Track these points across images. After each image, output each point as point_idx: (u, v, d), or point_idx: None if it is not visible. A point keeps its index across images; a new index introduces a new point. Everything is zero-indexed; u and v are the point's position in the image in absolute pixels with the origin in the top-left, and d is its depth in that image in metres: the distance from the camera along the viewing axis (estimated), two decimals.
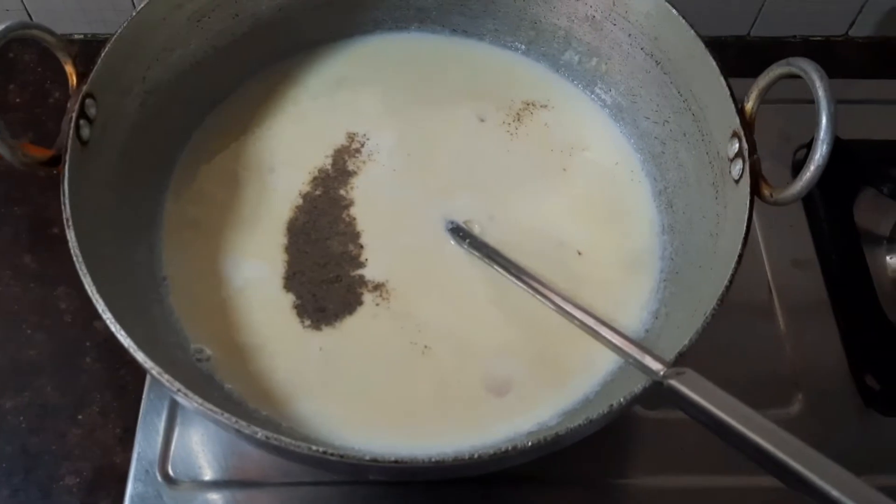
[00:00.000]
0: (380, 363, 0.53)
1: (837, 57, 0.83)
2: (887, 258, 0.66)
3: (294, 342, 0.53)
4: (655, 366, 0.42)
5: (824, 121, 0.44)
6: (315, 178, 0.59)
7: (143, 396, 0.59)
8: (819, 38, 0.84)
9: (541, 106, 0.64)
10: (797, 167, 0.70)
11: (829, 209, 0.66)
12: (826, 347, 0.62)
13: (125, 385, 0.60)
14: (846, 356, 0.62)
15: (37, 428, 0.59)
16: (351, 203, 0.58)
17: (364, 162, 0.60)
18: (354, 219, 0.58)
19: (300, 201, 0.58)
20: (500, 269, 0.54)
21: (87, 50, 0.79)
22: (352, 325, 0.54)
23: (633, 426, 0.59)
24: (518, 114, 0.64)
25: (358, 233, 0.57)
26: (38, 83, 0.76)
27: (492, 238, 0.57)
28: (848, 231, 0.66)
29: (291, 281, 0.55)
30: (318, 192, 0.59)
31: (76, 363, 0.62)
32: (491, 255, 0.55)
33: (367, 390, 0.52)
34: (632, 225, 0.59)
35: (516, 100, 0.64)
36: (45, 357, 0.62)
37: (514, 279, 0.53)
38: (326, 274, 0.55)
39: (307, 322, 0.53)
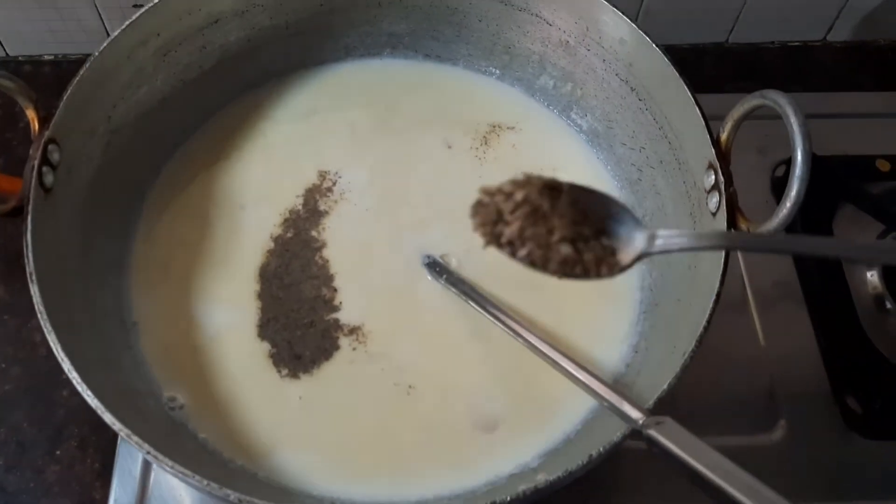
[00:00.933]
0: (363, 407, 0.52)
1: (816, 62, 0.83)
2: (867, 275, 0.66)
3: (272, 393, 0.52)
4: (634, 414, 0.42)
5: (799, 157, 0.43)
6: (286, 220, 0.58)
7: (118, 440, 0.58)
8: (797, 44, 0.84)
9: (507, 128, 0.64)
10: (776, 185, 0.69)
11: (809, 227, 0.66)
12: (808, 370, 0.62)
13: (103, 419, 0.59)
14: (828, 378, 0.61)
15: (14, 465, 0.58)
16: (323, 245, 0.58)
17: (336, 201, 0.60)
18: (327, 261, 0.57)
19: (271, 245, 0.57)
20: (476, 308, 0.54)
21: (57, 72, 0.78)
22: (330, 371, 0.53)
23: (618, 456, 0.58)
24: (484, 138, 0.63)
25: (331, 275, 0.56)
26: (8, 106, 0.74)
27: (469, 270, 0.56)
28: None
29: (265, 329, 0.54)
30: (289, 235, 0.58)
31: (52, 397, 0.61)
32: (467, 291, 0.54)
33: (350, 436, 0.51)
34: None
35: (482, 123, 0.64)
36: (20, 391, 0.61)
37: (491, 318, 0.53)
38: (301, 319, 0.54)
39: (284, 371, 0.53)
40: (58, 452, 0.59)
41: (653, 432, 0.39)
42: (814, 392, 0.61)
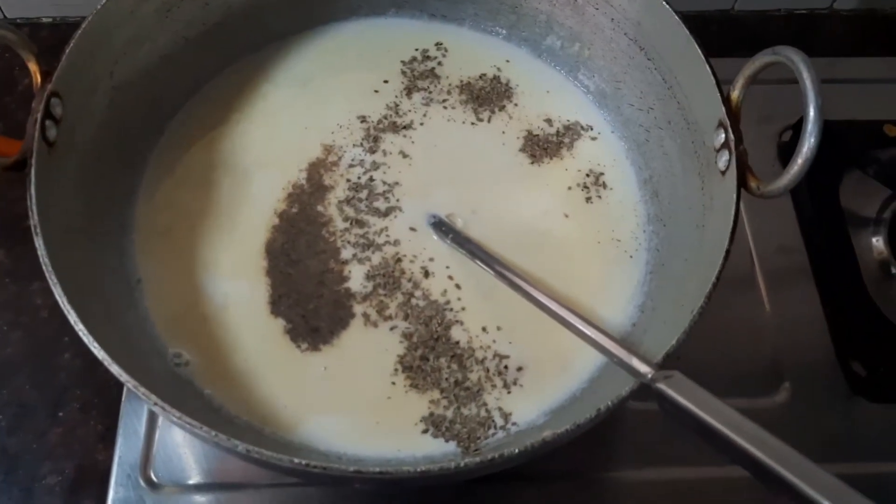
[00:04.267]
0: (385, 367, 0.52)
1: (822, 30, 0.82)
2: (873, 240, 0.66)
3: (296, 367, 0.51)
4: (643, 368, 0.42)
5: (812, 113, 0.43)
6: (290, 195, 0.57)
7: (122, 399, 0.58)
8: (803, 11, 0.83)
9: (514, 89, 0.63)
10: (782, 149, 0.69)
11: (815, 193, 0.66)
12: (813, 334, 0.62)
13: (105, 381, 0.59)
14: (832, 343, 0.61)
15: (16, 427, 0.58)
16: (329, 220, 0.57)
17: (341, 175, 0.59)
18: (334, 235, 0.56)
19: (276, 220, 0.56)
20: (483, 266, 0.53)
21: (56, 34, 0.78)
22: (350, 338, 0.53)
23: (619, 418, 0.58)
24: (491, 99, 0.63)
25: (338, 249, 0.56)
26: (6, 70, 0.74)
27: (475, 231, 0.56)
28: (834, 214, 0.65)
29: (278, 305, 0.53)
30: (294, 210, 0.57)
31: (54, 360, 0.61)
32: (473, 250, 0.54)
33: (377, 396, 0.51)
34: (617, 215, 0.58)
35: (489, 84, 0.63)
36: (22, 355, 0.61)
37: (498, 277, 0.53)
38: (312, 293, 0.54)
39: (304, 345, 0.52)
40: (60, 415, 0.59)
41: (662, 385, 0.39)
42: (819, 356, 0.61)
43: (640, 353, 0.43)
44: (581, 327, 0.47)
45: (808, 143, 0.43)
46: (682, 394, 0.38)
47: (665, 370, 0.41)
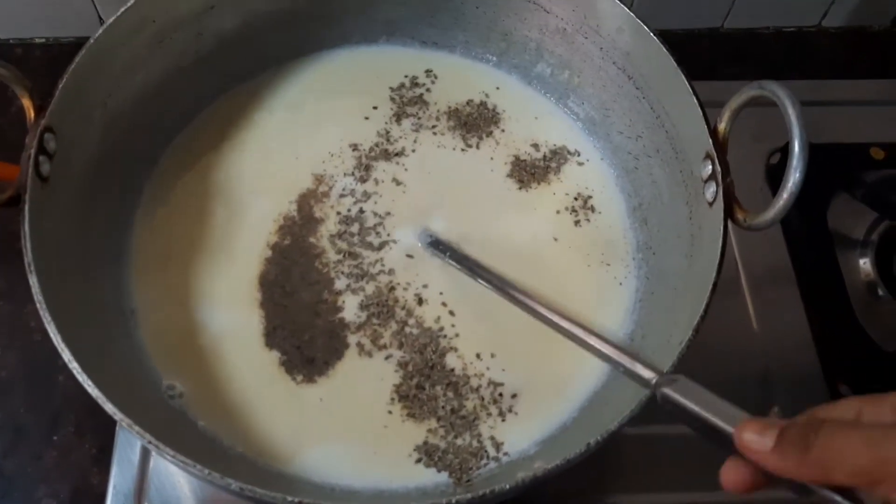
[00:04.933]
0: (382, 395, 0.52)
1: (810, 47, 0.83)
2: (860, 262, 0.67)
3: (291, 400, 0.52)
4: (647, 374, 0.43)
5: (797, 148, 0.43)
6: (282, 227, 0.58)
7: (117, 428, 0.58)
8: (792, 29, 0.84)
9: (504, 115, 0.64)
10: (771, 172, 0.70)
11: (803, 215, 0.66)
12: (801, 356, 0.62)
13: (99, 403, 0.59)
14: (820, 364, 0.62)
15: (11, 450, 0.59)
16: (322, 251, 0.57)
17: (332, 207, 0.59)
18: (327, 266, 0.56)
19: (269, 253, 0.57)
20: (483, 283, 0.54)
21: (48, 54, 0.78)
22: (345, 369, 0.53)
23: (616, 443, 0.59)
24: (481, 125, 0.63)
25: (331, 279, 0.56)
26: None
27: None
28: (822, 236, 0.66)
29: (272, 337, 0.54)
30: (286, 242, 0.57)
31: (49, 382, 0.61)
32: (472, 267, 0.55)
33: (373, 425, 0.52)
34: (606, 239, 0.59)
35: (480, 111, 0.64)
36: (17, 377, 0.61)
37: (498, 292, 0.53)
38: (306, 323, 0.54)
39: (299, 377, 0.52)
40: (55, 438, 0.59)
41: (667, 390, 0.40)
42: (806, 377, 0.61)
43: (644, 359, 0.44)
44: (585, 337, 0.47)
45: (794, 178, 0.43)
46: (689, 397, 0.39)
47: (670, 374, 0.41)
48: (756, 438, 0.34)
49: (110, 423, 0.58)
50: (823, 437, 0.32)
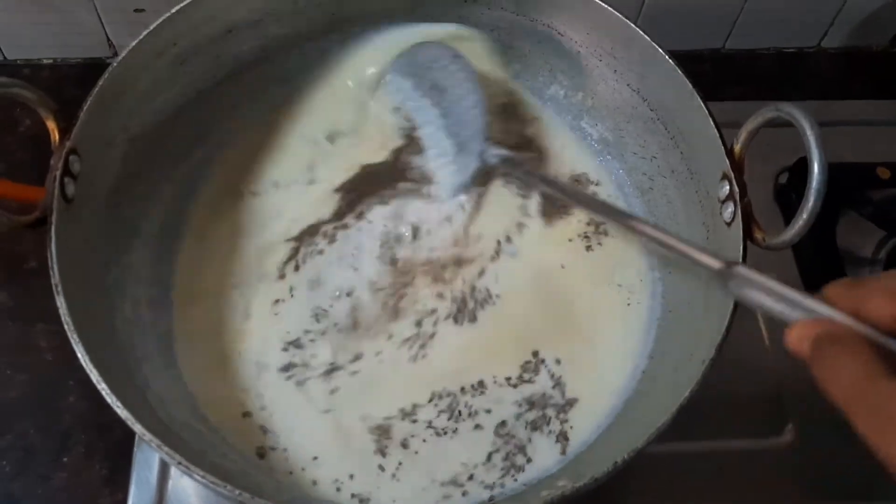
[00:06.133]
0: None
1: (810, 67, 0.85)
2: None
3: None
4: (715, 263, 0.45)
5: (816, 170, 0.44)
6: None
7: (134, 449, 0.58)
8: (792, 50, 0.86)
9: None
10: (779, 192, 0.70)
11: (813, 233, 0.66)
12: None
13: (110, 424, 0.59)
14: None
15: (20, 472, 0.58)
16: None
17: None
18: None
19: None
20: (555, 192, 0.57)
21: (56, 75, 0.78)
22: None
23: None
24: None
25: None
26: (7, 110, 0.74)
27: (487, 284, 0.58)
28: (831, 255, 0.67)
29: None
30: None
31: (59, 403, 0.61)
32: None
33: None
34: (619, 261, 0.59)
35: None
36: (27, 398, 0.61)
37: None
38: None
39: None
40: (65, 459, 0.59)
41: (741, 268, 0.42)
42: (820, 396, 0.62)
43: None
44: (651, 232, 0.50)
45: (813, 199, 0.44)
46: (752, 285, 0.41)
47: (732, 263, 0.43)
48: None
49: (121, 444, 0.58)
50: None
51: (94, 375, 0.41)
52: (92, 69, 0.49)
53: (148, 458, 0.57)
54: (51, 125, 0.47)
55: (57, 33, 0.76)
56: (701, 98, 0.51)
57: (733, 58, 0.85)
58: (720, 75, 0.83)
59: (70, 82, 0.77)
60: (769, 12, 0.80)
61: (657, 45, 0.54)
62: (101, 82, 0.50)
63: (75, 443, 0.59)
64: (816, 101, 0.78)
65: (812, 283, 0.66)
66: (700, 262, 0.46)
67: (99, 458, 0.59)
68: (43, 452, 0.59)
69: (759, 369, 0.63)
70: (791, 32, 0.84)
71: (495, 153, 0.58)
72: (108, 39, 0.76)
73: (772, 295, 0.39)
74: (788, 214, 0.69)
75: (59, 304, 0.43)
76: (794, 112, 0.45)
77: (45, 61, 0.79)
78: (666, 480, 0.58)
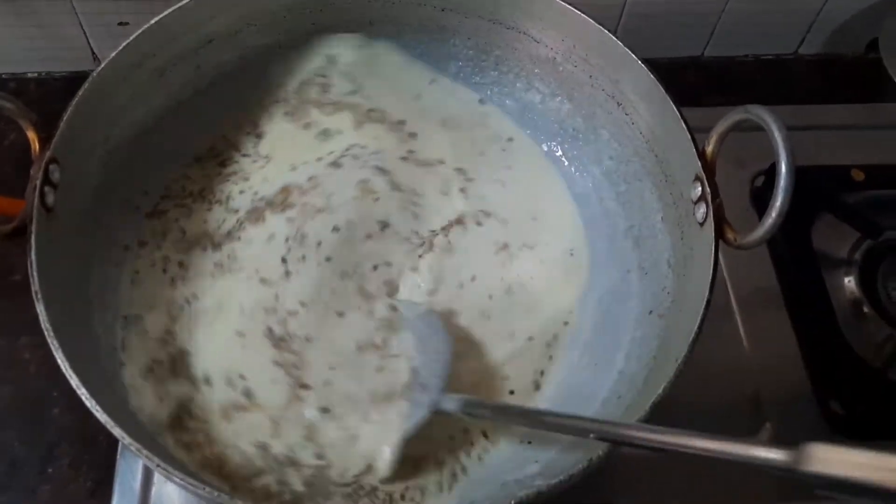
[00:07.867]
0: None
1: (788, 74, 0.86)
2: (845, 280, 0.68)
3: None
4: (778, 455, 0.36)
5: (784, 169, 0.45)
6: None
7: (118, 457, 0.58)
8: (770, 57, 0.87)
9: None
10: (755, 195, 0.71)
11: (788, 236, 0.68)
12: (791, 373, 0.63)
13: (95, 436, 0.60)
14: (810, 383, 0.63)
15: (5, 485, 0.58)
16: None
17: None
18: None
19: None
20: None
21: (42, 89, 0.79)
22: None
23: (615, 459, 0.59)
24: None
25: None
26: None
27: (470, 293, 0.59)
28: (807, 257, 0.67)
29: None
30: None
31: (43, 415, 0.61)
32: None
33: None
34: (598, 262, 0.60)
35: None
36: (11, 410, 0.61)
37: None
38: None
39: None
40: (50, 471, 0.59)
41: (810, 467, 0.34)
42: (798, 395, 0.62)
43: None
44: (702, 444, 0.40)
45: (780, 199, 0.45)
46: (829, 466, 0.34)
47: (793, 446, 0.36)
48: None
49: (106, 456, 0.58)
50: None
51: (74, 381, 0.42)
52: (78, 83, 0.50)
53: (131, 465, 0.57)
54: (31, 135, 0.48)
55: (43, 47, 0.77)
56: (672, 101, 0.52)
57: (712, 65, 0.86)
58: (700, 83, 0.84)
59: (56, 96, 0.78)
60: (748, 21, 0.82)
61: (629, 49, 0.55)
62: (81, 92, 0.50)
63: (60, 455, 0.60)
64: (792, 106, 0.79)
65: (789, 284, 0.67)
66: (757, 460, 0.37)
67: (84, 471, 0.59)
68: (28, 465, 0.59)
69: (737, 371, 0.63)
70: (769, 40, 0.85)
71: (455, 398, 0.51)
72: (94, 53, 0.77)
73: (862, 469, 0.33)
74: None
75: (38, 310, 0.43)
76: (762, 113, 0.46)
77: (30, 75, 0.80)
78: (645, 480, 0.58)
